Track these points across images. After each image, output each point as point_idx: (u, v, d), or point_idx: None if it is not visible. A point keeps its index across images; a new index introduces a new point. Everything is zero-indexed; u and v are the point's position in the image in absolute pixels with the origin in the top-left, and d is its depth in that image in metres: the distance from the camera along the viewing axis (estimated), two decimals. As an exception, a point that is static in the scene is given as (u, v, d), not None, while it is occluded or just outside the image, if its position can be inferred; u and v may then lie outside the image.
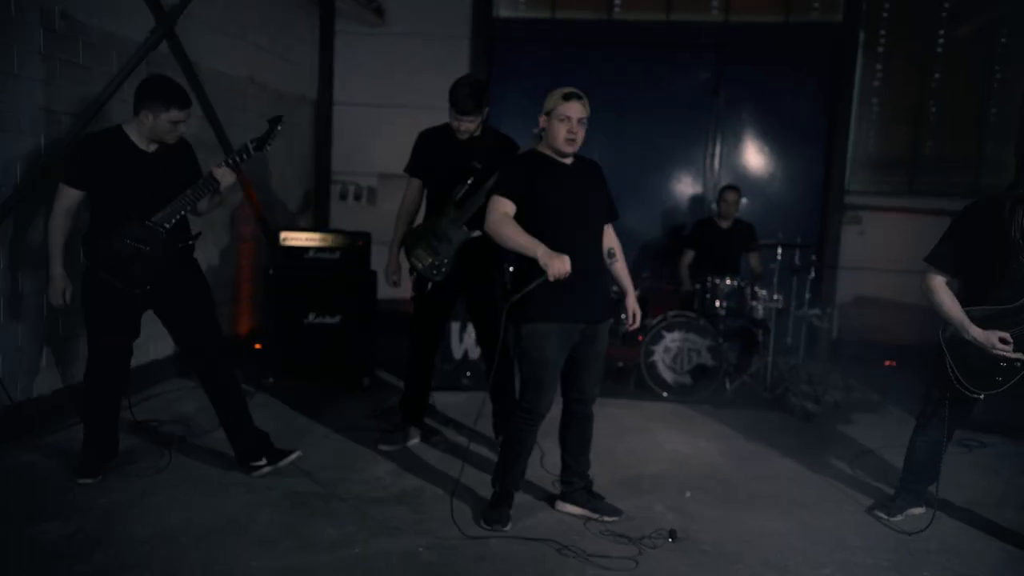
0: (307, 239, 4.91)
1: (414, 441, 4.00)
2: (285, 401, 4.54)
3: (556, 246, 2.88)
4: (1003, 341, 2.92)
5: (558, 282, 2.85)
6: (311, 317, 4.87)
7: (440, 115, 3.88)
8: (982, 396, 3.05)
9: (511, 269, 3.68)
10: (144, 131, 3.21)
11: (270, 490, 3.33)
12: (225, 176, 3.30)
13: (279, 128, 3.42)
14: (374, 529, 3.03)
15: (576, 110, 3.00)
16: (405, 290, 4.05)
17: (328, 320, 4.87)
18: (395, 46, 6.63)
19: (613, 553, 2.89)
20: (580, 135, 3.03)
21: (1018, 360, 2.92)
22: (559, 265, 2.82)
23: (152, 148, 3.26)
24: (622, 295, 3.29)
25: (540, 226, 2.96)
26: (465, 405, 4.55)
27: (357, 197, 6.81)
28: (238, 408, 3.51)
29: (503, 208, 2.99)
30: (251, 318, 5.76)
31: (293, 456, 3.58)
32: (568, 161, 3.09)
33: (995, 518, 3.35)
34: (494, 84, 6.34)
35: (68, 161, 3.31)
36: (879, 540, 3.14)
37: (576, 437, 3.24)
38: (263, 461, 3.49)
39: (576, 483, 3.23)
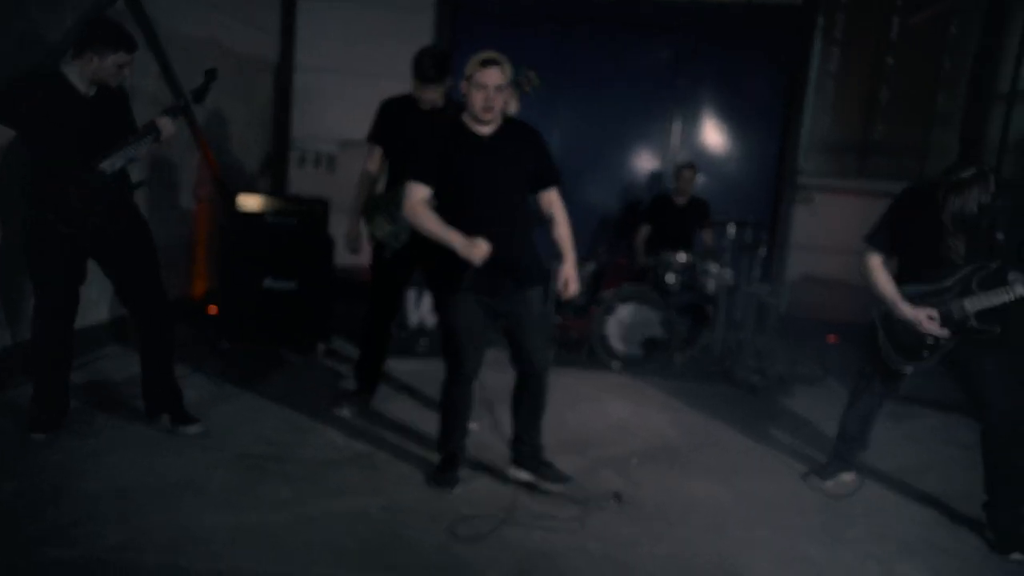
0: (265, 203, 4.90)
1: (367, 406, 4.06)
2: (240, 365, 4.56)
3: (469, 219, 2.94)
4: (930, 319, 3.07)
5: (463, 262, 2.92)
6: (267, 282, 4.86)
7: (403, 84, 3.90)
8: (910, 370, 3.22)
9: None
10: (87, 73, 3.17)
11: (224, 451, 3.37)
12: (167, 126, 3.30)
13: (214, 80, 3.45)
14: (328, 490, 3.10)
15: (493, 77, 2.95)
16: (362, 258, 4.09)
17: (284, 285, 4.86)
18: (359, 12, 6.57)
19: (560, 515, 3.00)
20: (498, 103, 2.98)
21: (943, 337, 3.08)
22: (477, 253, 2.89)
23: (92, 91, 3.22)
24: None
25: (453, 200, 3.02)
26: (420, 372, 4.62)
27: (317, 163, 6.79)
28: (164, 362, 3.52)
29: (417, 195, 3.02)
30: (206, 281, 5.74)
31: (195, 427, 3.54)
32: (488, 130, 3.05)
33: (918, 484, 3.54)
34: (458, 55, 6.33)
35: None
36: (811, 504, 3.32)
37: (525, 406, 3.25)
38: (196, 423, 3.53)
39: (525, 450, 3.28)
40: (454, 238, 2.93)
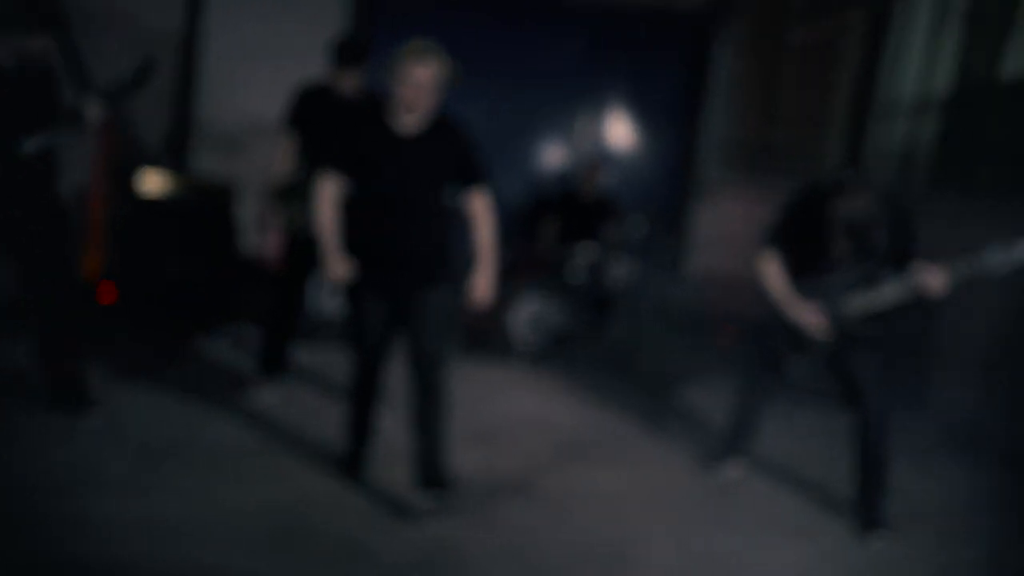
0: (167, 185, 4.75)
1: (274, 395, 4.03)
2: (139, 354, 4.43)
3: (376, 216, 2.92)
4: (818, 320, 3.27)
5: (369, 256, 2.94)
6: (167, 267, 4.72)
7: (317, 66, 3.87)
8: (797, 363, 3.42)
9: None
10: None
11: (124, 442, 3.29)
12: (97, 115, 3.17)
13: (153, 70, 3.30)
14: (233, 479, 3.09)
15: (426, 74, 2.77)
16: (269, 243, 4.04)
17: (185, 271, 4.74)
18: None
19: (463, 507, 3.07)
20: (428, 102, 2.84)
21: (828, 336, 3.29)
22: (333, 273, 2.96)
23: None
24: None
25: (363, 194, 2.97)
26: (329, 361, 4.59)
27: (223, 144, 6.59)
28: (64, 351, 3.40)
29: (326, 189, 2.98)
30: (102, 266, 5.52)
31: (93, 418, 3.44)
32: (411, 129, 2.90)
33: (803, 471, 3.77)
34: (375, 41, 6.28)
35: None
36: (703, 492, 3.50)
37: (417, 412, 3.06)
38: (94, 414, 3.43)
39: (417, 460, 3.07)
40: (328, 254, 2.96)
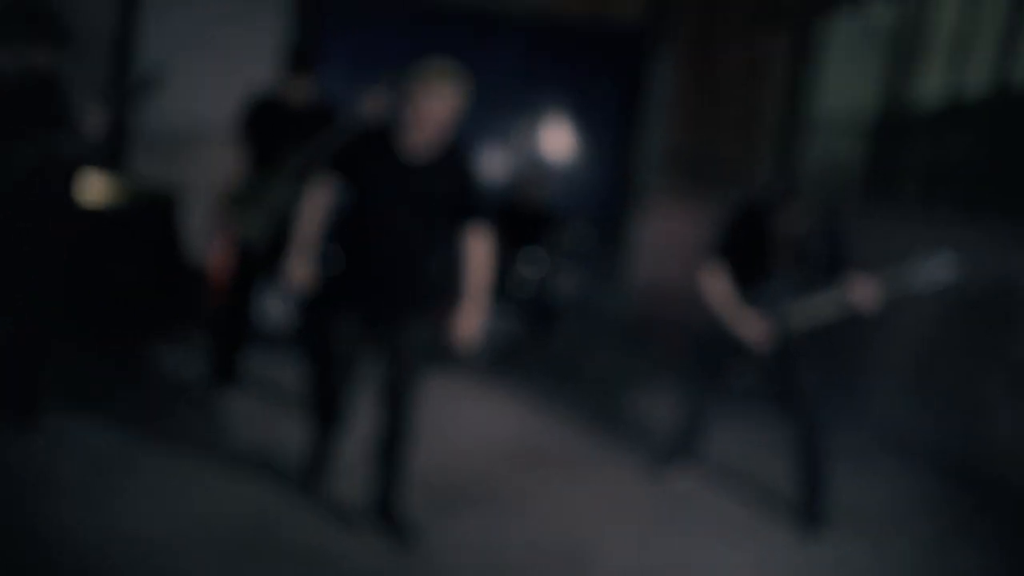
0: (109, 192, 4.62)
1: (226, 400, 3.98)
2: (90, 364, 4.31)
3: (365, 238, 2.83)
4: (760, 328, 3.39)
5: (353, 272, 2.86)
6: (108, 274, 4.56)
7: (258, 69, 3.86)
8: (739, 369, 3.58)
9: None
10: None
11: (76, 451, 3.24)
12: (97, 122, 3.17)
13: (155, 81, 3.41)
14: (189, 490, 3.06)
15: (448, 102, 2.62)
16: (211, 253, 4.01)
17: (127, 277, 4.61)
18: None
19: (424, 512, 3.10)
20: (435, 134, 2.68)
21: (770, 344, 3.42)
22: (294, 274, 2.91)
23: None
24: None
25: (355, 211, 2.86)
26: (276, 369, 4.55)
27: (161, 148, 6.43)
28: (25, 361, 3.33)
29: (317, 195, 2.91)
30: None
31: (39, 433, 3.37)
32: (420, 158, 2.76)
33: (747, 474, 3.90)
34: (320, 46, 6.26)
35: None
36: (653, 495, 3.62)
37: (379, 440, 2.96)
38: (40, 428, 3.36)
39: (375, 496, 2.98)
40: (299, 250, 2.90)
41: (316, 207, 2.92)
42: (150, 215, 4.68)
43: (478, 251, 2.89)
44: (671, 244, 6.93)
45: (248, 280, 3.96)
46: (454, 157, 2.83)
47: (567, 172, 7.08)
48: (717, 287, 3.51)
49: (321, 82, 3.95)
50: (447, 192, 2.84)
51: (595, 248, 5.64)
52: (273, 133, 3.80)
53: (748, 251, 3.47)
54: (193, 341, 4.91)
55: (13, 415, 3.33)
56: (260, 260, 3.89)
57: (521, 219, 6.10)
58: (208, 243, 3.97)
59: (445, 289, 3.04)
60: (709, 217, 3.69)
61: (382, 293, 2.87)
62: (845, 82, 5.71)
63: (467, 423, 4.28)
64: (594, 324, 5.71)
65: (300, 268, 2.92)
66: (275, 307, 5.02)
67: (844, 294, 3.29)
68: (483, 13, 6.78)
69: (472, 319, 2.89)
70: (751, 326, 3.41)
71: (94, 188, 4.57)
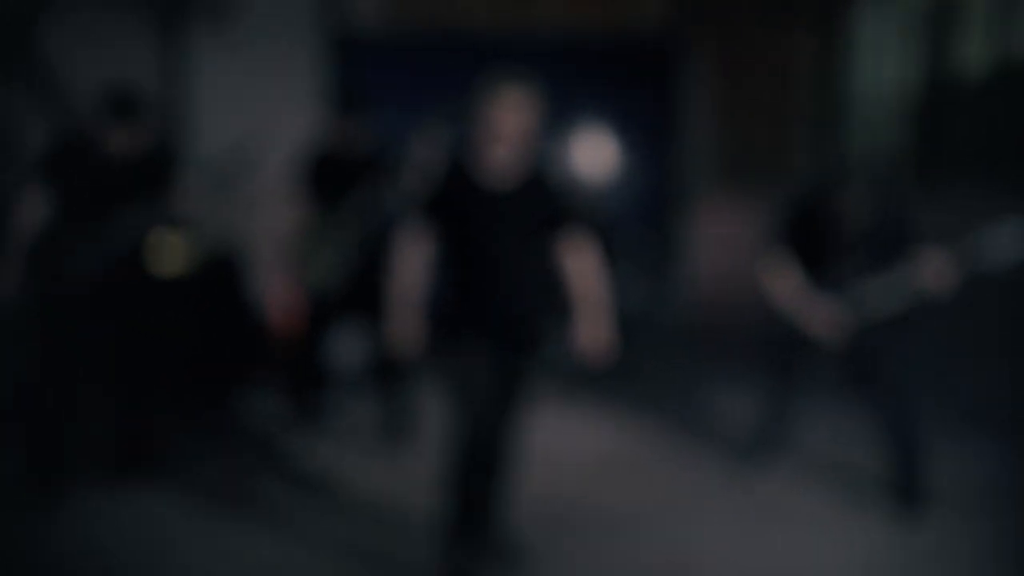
0: (186, 256, 4.65)
1: (314, 449, 4.06)
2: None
3: (465, 284, 2.74)
4: (831, 314, 3.35)
5: (467, 320, 2.74)
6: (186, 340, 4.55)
7: (299, 118, 3.95)
8: (821, 358, 3.53)
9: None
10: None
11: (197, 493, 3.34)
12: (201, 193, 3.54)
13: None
14: (301, 536, 3.14)
15: (516, 112, 2.57)
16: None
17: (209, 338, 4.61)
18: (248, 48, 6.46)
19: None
20: (517, 147, 2.61)
21: (845, 330, 3.38)
22: (400, 335, 2.81)
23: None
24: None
25: (461, 263, 2.76)
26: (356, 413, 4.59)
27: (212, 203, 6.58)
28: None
29: (413, 248, 2.76)
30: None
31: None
32: (498, 181, 2.68)
33: (835, 461, 3.89)
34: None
35: None
36: (747, 499, 3.62)
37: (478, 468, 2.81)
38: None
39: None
40: (400, 307, 2.78)
41: (412, 262, 2.78)
42: (220, 271, 4.74)
43: (582, 261, 2.82)
44: (725, 245, 6.91)
45: (322, 328, 4.06)
46: (539, 177, 2.77)
47: (609, 186, 7.10)
48: (780, 282, 3.49)
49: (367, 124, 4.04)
50: (540, 211, 2.76)
51: (650, 257, 5.65)
52: (332, 182, 3.89)
53: (811, 241, 3.45)
54: (269, 387, 5.00)
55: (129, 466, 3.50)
56: (332, 308, 3.99)
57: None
58: (266, 294, 4.06)
59: (564, 304, 2.91)
60: (759, 213, 3.65)
61: (502, 324, 2.74)
62: (880, 66, 5.69)
63: (540, 438, 4.27)
64: (656, 331, 5.69)
65: (403, 329, 2.78)
66: (349, 351, 5.09)
67: (916, 274, 3.24)
68: (507, 38, 6.87)
69: (597, 330, 2.80)
70: (820, 319, 3.38)
71: (176, 253, 4.60)
